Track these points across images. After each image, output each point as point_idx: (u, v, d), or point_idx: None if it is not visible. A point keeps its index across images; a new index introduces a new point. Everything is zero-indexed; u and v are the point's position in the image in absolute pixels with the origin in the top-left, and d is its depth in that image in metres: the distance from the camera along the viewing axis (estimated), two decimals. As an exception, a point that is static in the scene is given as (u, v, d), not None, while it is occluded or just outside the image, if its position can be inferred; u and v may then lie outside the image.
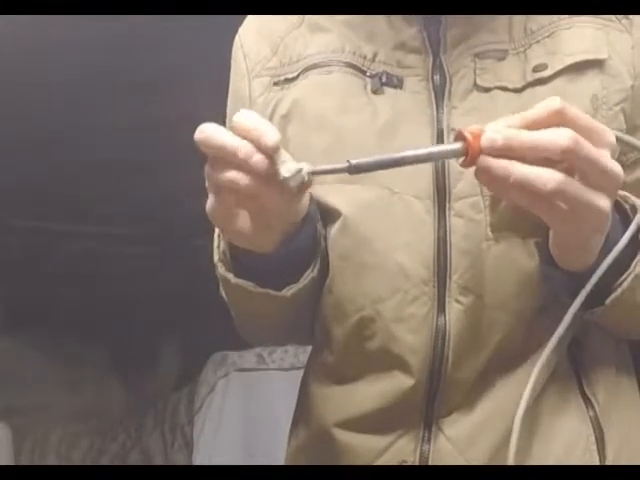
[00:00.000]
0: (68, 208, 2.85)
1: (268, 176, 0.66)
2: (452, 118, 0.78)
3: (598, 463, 0.77)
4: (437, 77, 0.79)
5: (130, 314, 2.96)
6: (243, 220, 0.71)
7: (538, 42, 0.79)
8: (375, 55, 0.82)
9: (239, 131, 0.66)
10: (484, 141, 0.63)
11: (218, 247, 0.79)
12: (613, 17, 0.80)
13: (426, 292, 0.77)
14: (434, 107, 0.79)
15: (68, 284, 3.00)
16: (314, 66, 0.84)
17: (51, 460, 2.71)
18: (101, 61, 2.10)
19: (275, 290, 0.78)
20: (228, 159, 0.66)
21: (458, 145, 0.65)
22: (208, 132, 0.66)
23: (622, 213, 0.72)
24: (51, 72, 2.13)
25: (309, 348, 0.91)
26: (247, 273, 0.77)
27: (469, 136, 0.64)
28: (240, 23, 0.94)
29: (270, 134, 0.65)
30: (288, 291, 0.78)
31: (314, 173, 0.68)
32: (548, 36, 0.79)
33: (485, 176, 0.64)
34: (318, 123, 0.81)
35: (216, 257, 0.80)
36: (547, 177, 0.62)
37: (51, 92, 2.20)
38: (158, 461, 2.62)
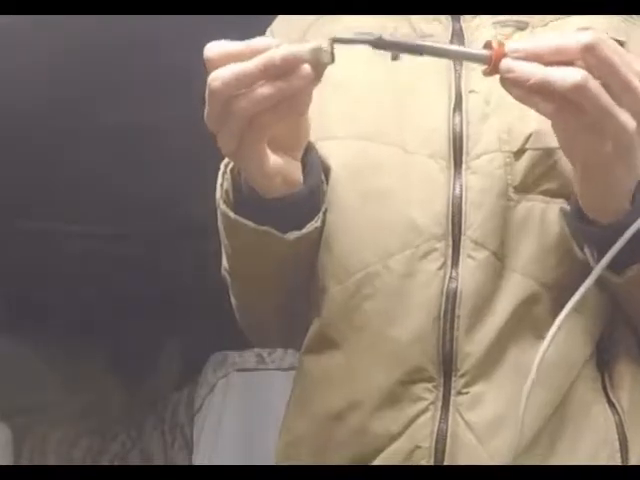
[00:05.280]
0: (68, 209, 2.85)
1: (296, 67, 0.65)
2: (470, 80, 0.78)
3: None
4: (456, 44, 0.80)
5: (130, 314, 2.95)
6: (265, 157, 0.69)
7: (558, 20, 0.80)
8: (396, 28, 0.82)
9: (237, 56, 0.65)
10: (509, 47, 0.64)
11: (221, 186, 0.77)
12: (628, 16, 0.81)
13: (438, 248, 0.75)
14: (452, 71, 0.79)
15: (68, 284, 2.99)
16: (336, 41, 0.85)
17: (51, 460, 2.71)
18: (101, 62, 2.10)
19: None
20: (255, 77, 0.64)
21: (485, 52, 0.65)
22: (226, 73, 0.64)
23: None
24: (52, 73, 2.13)
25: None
26: (249, 218, 0.75)
27: (496, 45, 0.65)
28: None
29: (269, 41, 0.65)
30: (291, 235, 0.76)
31: (339, 41, 0.67)
32: (567, 17, 0.80)
33: (508, 79, 0.64)
34: (336, 88, 0.80)
35: (218, 194, 0.77)
36: (567, 73, 0.62)
37: (51, 93, 2.20)
38: (158, 461, 2.61)
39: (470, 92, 0.78)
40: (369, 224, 0.78)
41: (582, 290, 0.69)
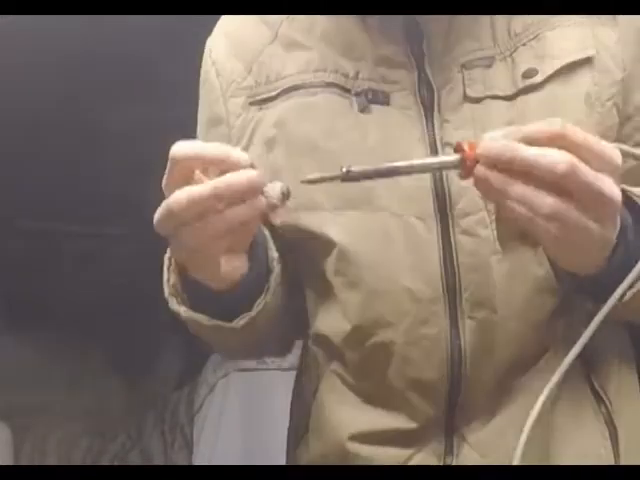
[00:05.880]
0: (68, 209, 2.85)
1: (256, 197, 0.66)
2: (445, 132, 0.77)
3: (613, 459, 0.78)
4: (424, 91, 0.78)
5: (130, 314, 2.95)
6: (219, 266, 0.71)
7: (524, 45, 0.79)
8: (358, 72, 0.80)
9: (209, 162, 0.66)
10: (480, 150, 0.63)
11: (168, 281, 0.78)
12: None
13: (435, 312, 0.77)
14: (424, 122, 0.78)
15: (68, 284, 2.99)
16: (296, 87, 0.82)
17: (51, 460, 2.70)
18: (102, 62, 2.10)
19: (228, 320, 0.77)
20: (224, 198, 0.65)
21: (455, 156, 0.65)
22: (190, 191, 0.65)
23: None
24: (51, 73, 2.13)
25: (308, 348, 0.90)
26: (201, 304, 0.77)
27: (466, 147, 0.64)
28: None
29: (242, 156, 0.66)
30: (239, 321, 0.77)
31: (309, 182, 0.67)
32: (533, 38, 0.79)
33: (483, 186, 0.64)
34: (306, 148, 0.80)
35: (167, 291, 0.78)
36: (541, 201, 0.62)
37: (51, 93, 2.20)
38: (158, 461, 2.61)
39: (445, 144, 0.77)
40: (368, 295, 0.79)
41: (587, 334, 0.71)
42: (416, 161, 0.66)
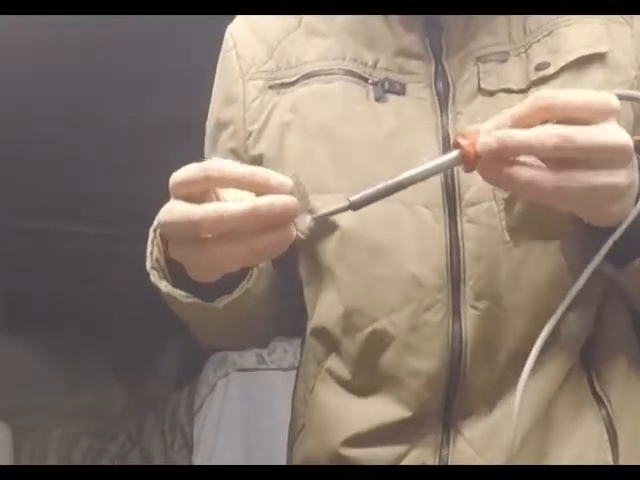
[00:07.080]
0: (68, 208, 2.85)
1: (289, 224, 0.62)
2: (458, 124, 0.77)
3: (612, 462, 0.77)
4: (440, 83, 0.78)
5: (130, 314, 2.95)
6: (219, 272, 0.69)
7: (538, 41, 0.79)
8: (376, 62, 0.81)
9: (246, 185, 0.62)
10: (479, 147, 0.63)
11: (151, 254, 0.76)
12: None
13: (440, 299, 0.76)
14: (438, 113, 0.78)
15: (68, 284, 3.00)
16: (314, 74, 0.82)
17: (51, 460, 2.70)
18: (101, 61, 2.10)
19: (209, 300, 0.76)
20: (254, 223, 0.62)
21: (454, 154, 0.65)
22: (220, 209, 0.61)
23: None
24: (50, 72, 2.13)
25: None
26: (183, 280, 0.74)
27: (464, 142, 0.64)
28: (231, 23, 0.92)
29: (277, 175, 0.62)
30: (219, 302, 0.76)
31: (315, 218, 0.66)
32: (548, 34, 0.79)
33: (490, 179, 0.65)
34: (321, 134, 0.80)
35: (149, 264, 0.77)
36: (545, 180, 0.62)
37: (50, 92, 2.20)
38: (158, 461, 2.61)
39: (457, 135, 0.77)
40: (371, 280, 0.78)
41: (577, 286, 0.70)
42: (417, 169, 0.65)
